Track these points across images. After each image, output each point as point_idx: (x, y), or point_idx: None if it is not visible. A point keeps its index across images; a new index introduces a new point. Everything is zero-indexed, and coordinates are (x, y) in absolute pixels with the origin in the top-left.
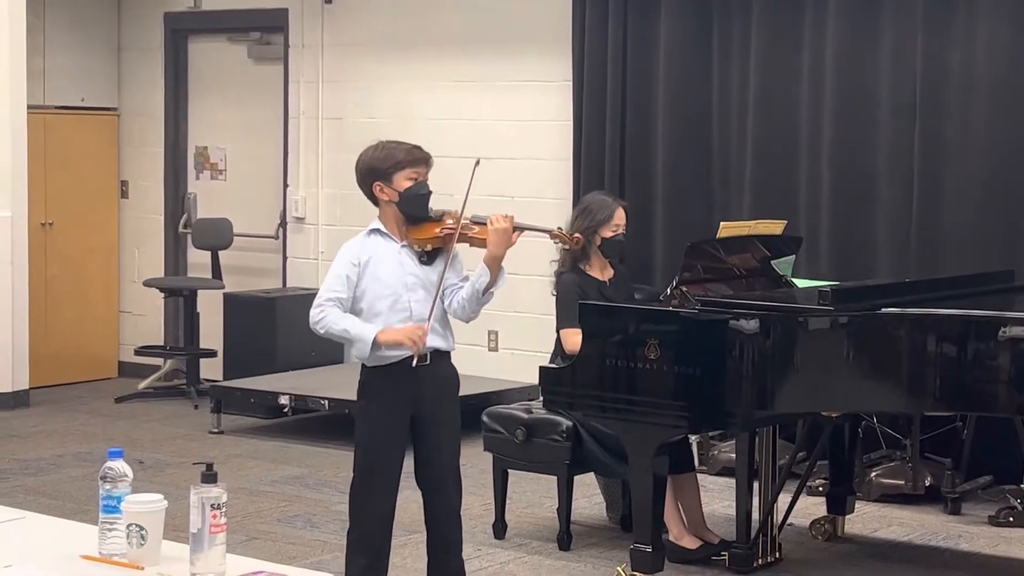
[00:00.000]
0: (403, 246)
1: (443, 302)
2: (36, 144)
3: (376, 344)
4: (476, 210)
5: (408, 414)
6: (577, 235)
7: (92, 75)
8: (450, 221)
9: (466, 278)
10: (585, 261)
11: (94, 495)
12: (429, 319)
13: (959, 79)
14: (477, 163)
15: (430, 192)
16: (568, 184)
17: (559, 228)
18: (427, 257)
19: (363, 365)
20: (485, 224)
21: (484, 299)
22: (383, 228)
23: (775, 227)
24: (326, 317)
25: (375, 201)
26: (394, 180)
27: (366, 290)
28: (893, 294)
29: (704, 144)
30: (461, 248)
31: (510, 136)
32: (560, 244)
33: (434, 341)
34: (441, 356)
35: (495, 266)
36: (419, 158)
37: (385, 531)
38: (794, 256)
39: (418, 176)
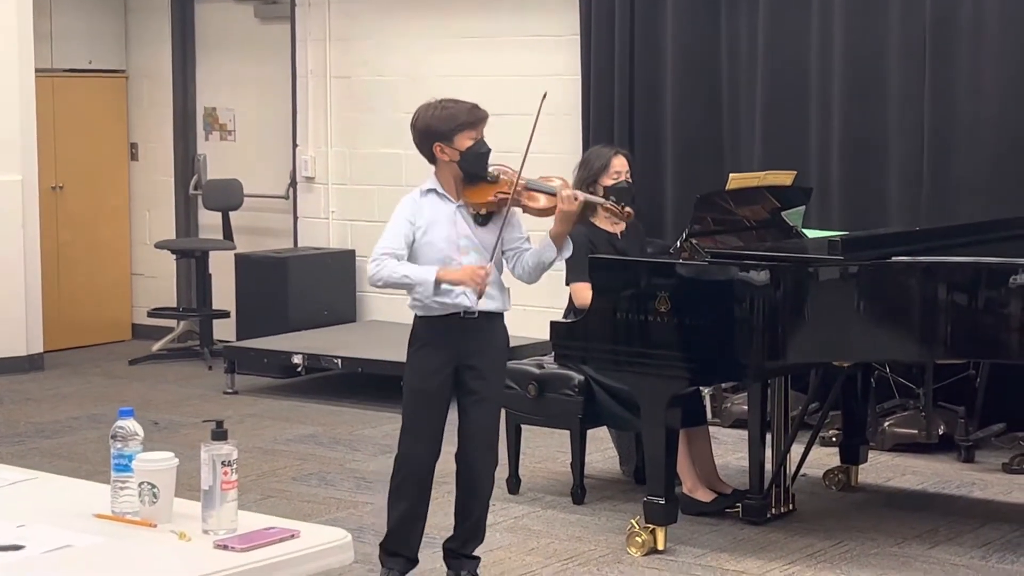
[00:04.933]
0: (459, 206)
1: (506, 263)
2: (45, 108)
3: (438, 284)
4: (530, 169)
5: (453, 365)
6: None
7: (99, 37)
8: (505, 186)
9: (527, 238)
10: (593, 213)
11: (109, 457)
12: (491, 259)
13: (969, 26)
14: (544, 96)
15: (489, 151)
16: (577, 139)
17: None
18: (482, 218)
19: (415, 315)
20: (540, 191)
21: (549, 267)
22: (439, 188)
23: (785, 178)
24: (383, 268)
25: (433, 160)
26: (455, 140)
27: (418, 252)
28: (903, 242)
29: (713, 96)
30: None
31: (518, 92)
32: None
33: (486, 304)
34: (492, 316)
35: (561, 241)
36: (480, 117)
37: (426, 478)
38: (804, 207)
39: (477, 135)
